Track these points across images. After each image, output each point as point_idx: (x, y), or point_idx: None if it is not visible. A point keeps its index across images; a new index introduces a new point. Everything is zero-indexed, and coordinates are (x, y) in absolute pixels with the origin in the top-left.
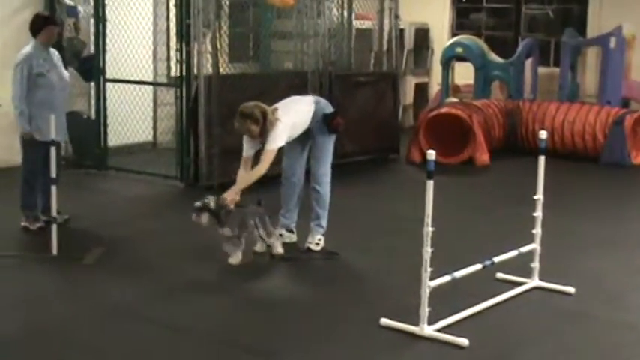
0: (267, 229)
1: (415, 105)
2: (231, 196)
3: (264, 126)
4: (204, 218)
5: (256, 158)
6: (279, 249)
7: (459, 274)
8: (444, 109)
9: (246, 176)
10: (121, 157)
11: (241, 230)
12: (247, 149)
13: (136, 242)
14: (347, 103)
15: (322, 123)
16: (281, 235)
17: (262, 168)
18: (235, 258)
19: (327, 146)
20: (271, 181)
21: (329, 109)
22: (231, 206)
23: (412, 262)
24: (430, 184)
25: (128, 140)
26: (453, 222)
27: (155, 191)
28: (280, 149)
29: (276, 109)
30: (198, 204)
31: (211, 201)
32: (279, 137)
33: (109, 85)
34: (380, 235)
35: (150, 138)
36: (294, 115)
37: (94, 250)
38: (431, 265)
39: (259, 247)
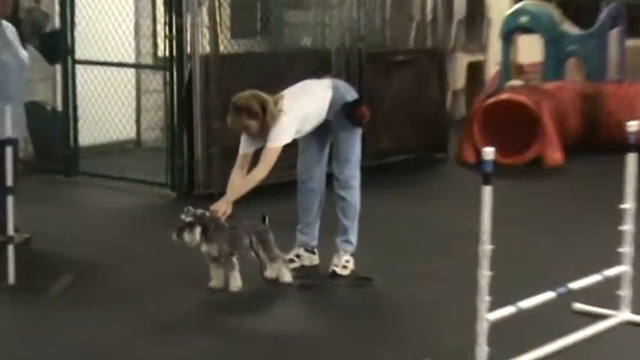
0: (271, 252)
1: (468, 90)
2: (222, 207)
3: (264, 120)
4: (196, 235)
5: (256, 158)
6: (286, 277)
7: (525, 304)
8: (504, 96)
9: (239, 183)
10: (96, 159)
11: (233, 250)
12: (245, 146)
13: (114, 268)
14: (381, 90)
15: (342, 114)
16: (298, 256)
17: (260, 172)
18: (234, 285)
19: (352, 143)
20: (283, 188)
21: (350, 95)
22: (223, 220)
23: (465, 289)
24: (487, 190)
25: (104, 138)
26: (517, 238)
27: (139, 202)
28: (294, 147)
29: (281, 97)
30: (188, 218)
31: (195, 214)
32: (284, 133)
33: (79, 68)
34: (424, 256)
35: (132, 135)
36: (305, 104)
37: (61, 278)
38: (490, 293)
39: (269, 272)
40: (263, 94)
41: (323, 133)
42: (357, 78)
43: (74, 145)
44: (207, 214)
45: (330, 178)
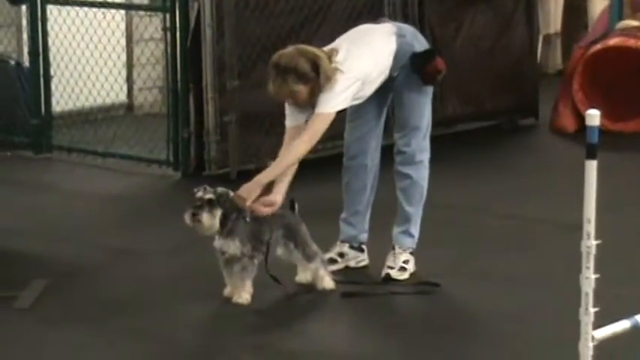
0: (305, 249)
1: (565, 35)
2: (252, 190)
3: (317, 83)
4: (216, 218)
5: None
6: (326, 282)
7: None
8: (614, 41)
9: (280, 157)
10: (75, 129)
11: (254, 249)
12: (293, 117)
13: (99, 271)
14: (448, 36)
15: (411, 69)
16: (341, 255)
17: (303, 144)
18: (244, 295)
19: (422, 106)
20: (322, 165)
21: (420, 44)
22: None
23: (563, 297)
24: (592, 166)
25: (86, 102)
26: (632, 231)
27: (131, 186)
28: (340, 112)
29: (334, 51)
30: (207, 195)
31: (216, 191)
32: (339, 97)
33: (51, 10)
34: (505, 253)
35: (122, 98)
36: (367, 59)
37: (32, 284)
38: (596, 304)
39: (303, 275)
40: (313, 49)
41: (382, 92)
42: (416, 20)
43: (46, 111)
44: (232, 195)
45: (386, 152)
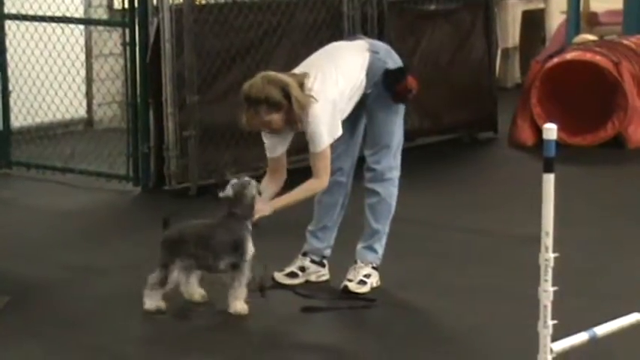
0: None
1: (523, 49)
2: (264, 210)
3: (290, 110)
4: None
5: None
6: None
7: (601, 330)
8: (571, 55)
9: (297, 191)
10: (34, 145)
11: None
12: (272, 147)
13: (59, 287)
14: (406, 51)
15: (383, 86)
16: (302, 269)
17: (318, 183)
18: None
19: (393, 124)
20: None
21: (394, 62)
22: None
23: (523, 310)
24: (550, 179)
25: (45, 117)
26: (589, 243)
27: (91, 201)
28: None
29: (305, 75)
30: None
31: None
32: (324, 125)
33: (9, 25)
34: (466, 266)
35: (81, 112)
36: (338, 78)
37: None
38: (555, 316)
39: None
40: (281, 76)
41: (356, 110)
42: (375, 35)
43: (4, 126)
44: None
45: (355, 168)
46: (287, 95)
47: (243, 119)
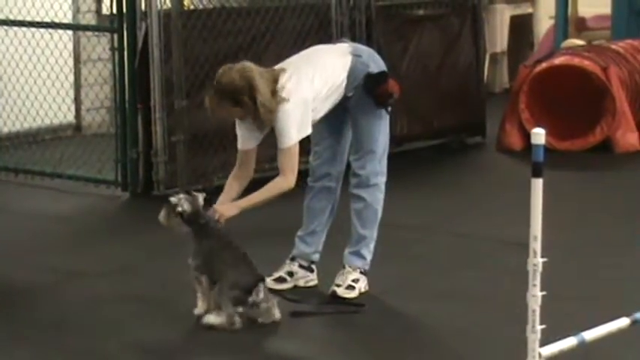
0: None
1: (512, 54)
2: (230, 211)
3: (255, 107)
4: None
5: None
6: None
7: (590, 335)
8: (559, 60)
9: (264, 190)
10: (22, 150)
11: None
12: (244, 139)
13: (45, 292)
14: (395, 55)
15: (364, 90)
16: (291, 274)
17: (285, 182)
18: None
19: (377, 129)
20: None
21: (377, 66)
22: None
23: (511, 314)
24: (538, 184)
25: (33, 122)
26: (578, 247)
27: (79, 206)
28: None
29: (281, 71)
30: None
31: (185, 202)
32: (295, 125)
33: None
34: (455, 270)
35: (69, 118)
36: (313, 78)
37: None
38: (543, 321)
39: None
40: (252, 68)
41: (339, 113)
42: (364, 40)
43: None
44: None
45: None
46: (252, 91)
47: (207, 101)
